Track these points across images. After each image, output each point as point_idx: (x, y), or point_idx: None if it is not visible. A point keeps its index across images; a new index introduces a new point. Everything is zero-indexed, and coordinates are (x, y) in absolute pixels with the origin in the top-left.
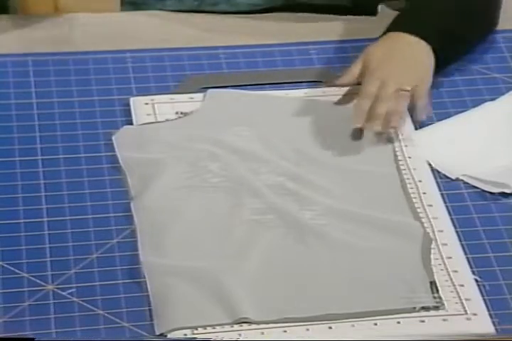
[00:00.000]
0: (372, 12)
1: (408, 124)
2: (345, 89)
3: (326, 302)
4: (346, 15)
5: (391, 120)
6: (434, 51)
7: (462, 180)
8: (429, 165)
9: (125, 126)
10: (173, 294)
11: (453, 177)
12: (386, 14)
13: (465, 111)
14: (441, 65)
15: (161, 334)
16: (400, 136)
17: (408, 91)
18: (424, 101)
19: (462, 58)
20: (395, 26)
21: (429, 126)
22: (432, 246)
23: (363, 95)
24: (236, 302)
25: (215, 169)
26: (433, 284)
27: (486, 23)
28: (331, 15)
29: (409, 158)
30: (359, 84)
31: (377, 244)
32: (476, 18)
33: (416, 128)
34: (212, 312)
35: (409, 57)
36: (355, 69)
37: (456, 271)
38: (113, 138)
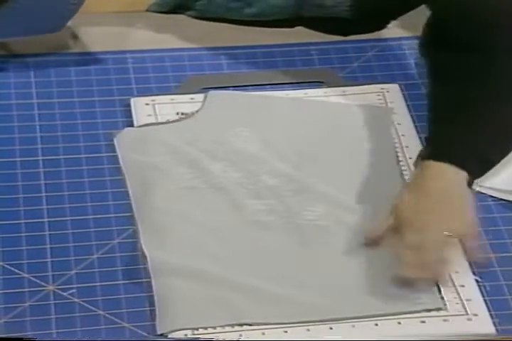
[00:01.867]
0: (377, 25)
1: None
2: (349, 91)
3: (328, 304)
4: (350, 30)
5: (438, 269)
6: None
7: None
8: None
9: (127, 128)
10: (174, 294)
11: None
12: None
13: None
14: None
15: (162, 335)
16: (401, 137)
17: (452, 236)
18: (472, 244)
19: None
20: (431, 153)
21: None
22: None
23: (406, 246)
24: (237, 304)
25: (216, 170)
26: (436, 285)
27: None
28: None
29: (410, 158)
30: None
31: (379, 245)
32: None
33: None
34: (213, 314)
35: (447, 199)
36: (389, 220)
37: (456, 272)
38: (115, 139)
